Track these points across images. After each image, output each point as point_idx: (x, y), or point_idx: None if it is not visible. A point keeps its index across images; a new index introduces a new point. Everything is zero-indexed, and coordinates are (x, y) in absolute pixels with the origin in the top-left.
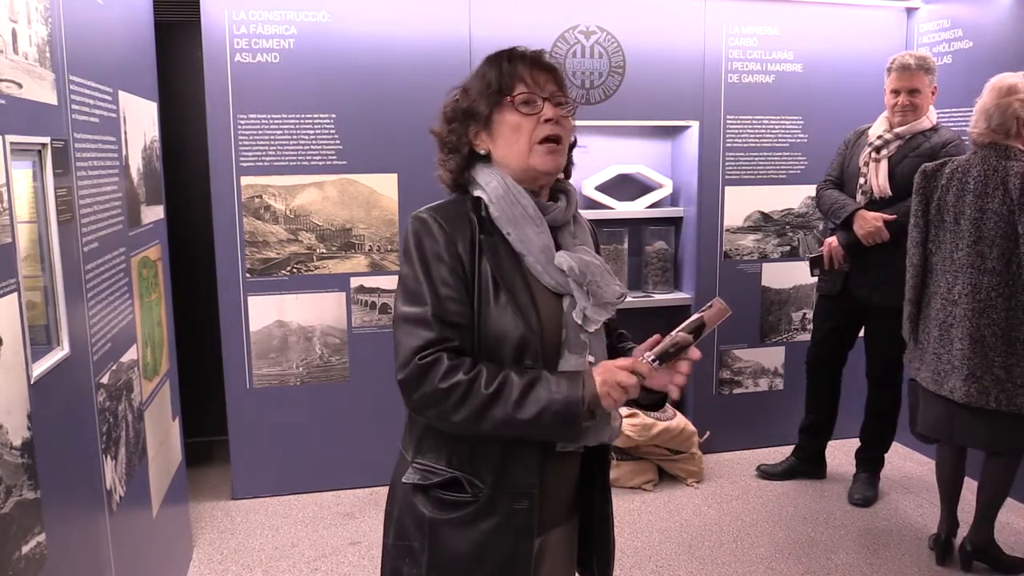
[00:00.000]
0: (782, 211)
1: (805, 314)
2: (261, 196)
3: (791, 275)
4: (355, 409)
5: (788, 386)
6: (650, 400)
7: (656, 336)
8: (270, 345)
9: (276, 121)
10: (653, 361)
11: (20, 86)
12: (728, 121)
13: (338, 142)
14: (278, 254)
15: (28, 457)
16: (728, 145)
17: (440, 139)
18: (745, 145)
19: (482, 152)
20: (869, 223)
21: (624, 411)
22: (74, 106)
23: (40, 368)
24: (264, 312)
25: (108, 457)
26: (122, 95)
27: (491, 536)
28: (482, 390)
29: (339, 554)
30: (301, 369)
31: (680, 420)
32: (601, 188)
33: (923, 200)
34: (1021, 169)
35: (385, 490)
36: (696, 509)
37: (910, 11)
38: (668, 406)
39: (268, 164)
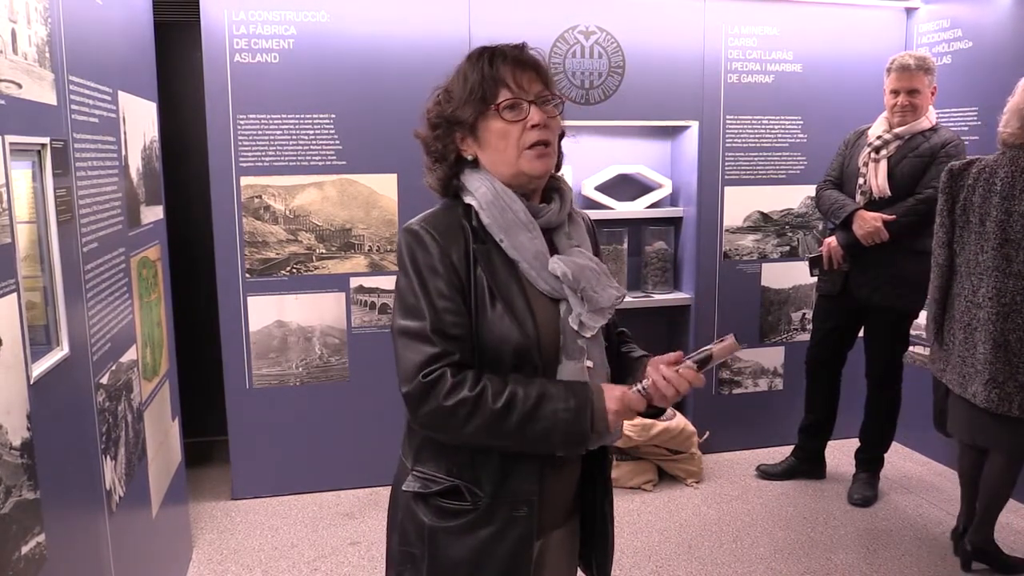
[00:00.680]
0: (782, 211)
1: (805, 314)
2: (261, 196)
3: (791, 275)
4: (355, 409)
5: (788, 386)
6: (650, 412)
7: (677, 354)
8: (270, 345)
9: (276, 121)
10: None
11: (20, 86)
12: (728, 121)
13: (337, 142)
14: (278, 254)
15: (28, 457)
16: (728, 145)
17: (425, 145)
18: (745, 145)
19: (469, 158)
20: (868, 223)
21: None
22: (74, 106)
23: (40, 368)
24: (264, 312)
25: (108, 457)
26: (122, 95)
27: (490, 543)
28: (488, 406)
29: (339, 554)
30: (301, 369)
31: (680, 420)
32: (601, 188)
33: (949, 199)
34: None
35: (384, 490)
36: (696, 509)
37: (910, 11)
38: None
39: (268, 164)
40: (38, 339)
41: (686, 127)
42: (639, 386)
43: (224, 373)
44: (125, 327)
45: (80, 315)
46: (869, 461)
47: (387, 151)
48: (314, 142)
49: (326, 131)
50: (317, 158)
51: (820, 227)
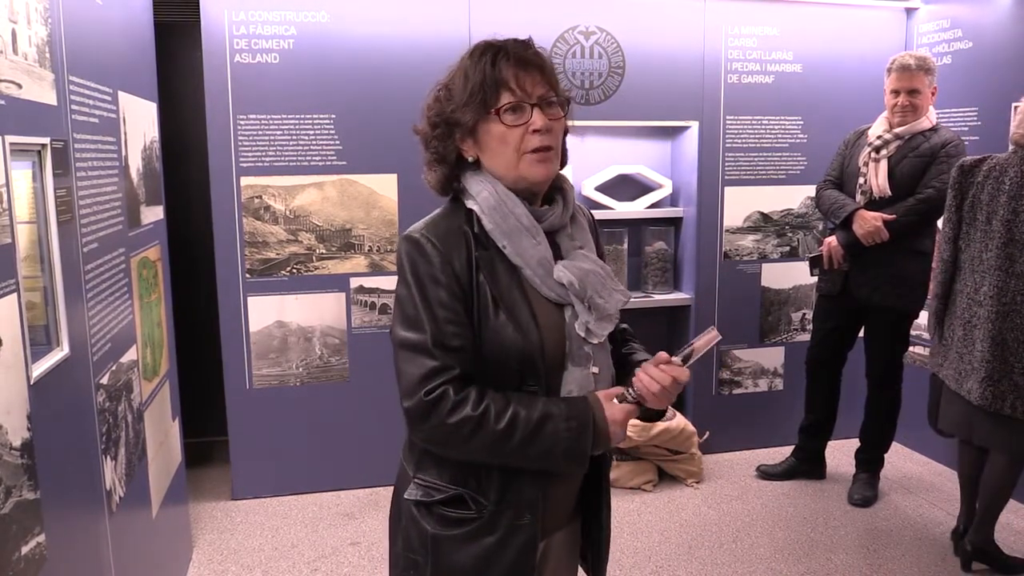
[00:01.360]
0: (782, 211)
1: (805, 314)
2: (261, 196)
3: (791, 275)
4: (355, 409)
5: (788, 386)
6: (650, 414)
7: (662, 355)
8: (270, 345)
9: (276, 121)
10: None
11: (20, 86)
12: (728, 121)
13: (338, 142)
14: (278, 254)
15: (28, 458)
16: (728, 145)
17: (425, 142)
18: (745, 145)
19: (470, 159)
20: (868, 223)
21: None
22: (74, 106)
23: (40, 368)
24: (264, 312)
25: (108, 457)
26: (122, 95)
27: (494, 551)
28: (491, 427)
29: (339, 554)
30: (301, 369)
31: (680, 420)
32: (601, 188)
33: (957, 196)
34: None
35: (384, 490)
36: (696, 509)
37: (910, 11)
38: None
39: (268, 164)
40: (38, 339)
41: (686, 127)
42: (630, 392)
43: (224, 373)
44: (125, 327)
45: (80, 315)
46: (869, 461)
47: (387, 151)
48: (314, 142)
49: (326, 131)
50: (317, 158)
51: (820, 227)
